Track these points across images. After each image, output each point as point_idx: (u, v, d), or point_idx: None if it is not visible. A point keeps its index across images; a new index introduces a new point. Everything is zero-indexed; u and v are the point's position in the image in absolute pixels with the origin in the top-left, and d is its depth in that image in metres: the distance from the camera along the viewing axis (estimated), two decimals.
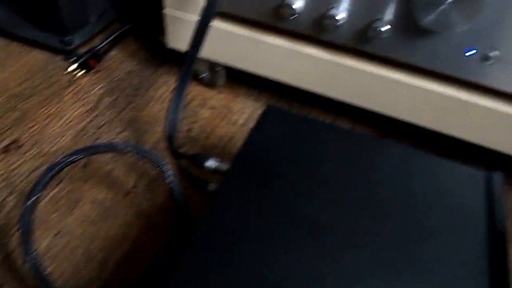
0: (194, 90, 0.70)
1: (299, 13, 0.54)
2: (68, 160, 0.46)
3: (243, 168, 0.41)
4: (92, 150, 0.47)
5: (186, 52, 0.53)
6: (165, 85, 0.70)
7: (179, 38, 0.64)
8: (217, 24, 0.60)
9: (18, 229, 0.47)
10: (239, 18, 0.60)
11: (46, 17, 0.72)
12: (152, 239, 0.51)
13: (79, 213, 0.52)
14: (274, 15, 0.56)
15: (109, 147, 0.47)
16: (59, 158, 0.47)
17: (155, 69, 0.73)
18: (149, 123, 0.64)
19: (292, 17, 0.54)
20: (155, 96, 0.69)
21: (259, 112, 0.67)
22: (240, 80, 0.71)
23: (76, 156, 0.46)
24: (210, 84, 0.70)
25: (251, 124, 0.65)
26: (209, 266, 0.33)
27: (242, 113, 0.67)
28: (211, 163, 0.48)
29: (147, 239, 0.51)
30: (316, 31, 0.56)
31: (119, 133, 0.62)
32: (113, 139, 0.61)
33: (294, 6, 0.53)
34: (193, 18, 0.60)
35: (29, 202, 0.43)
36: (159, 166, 0.47)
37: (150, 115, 0.65)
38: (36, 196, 0.44)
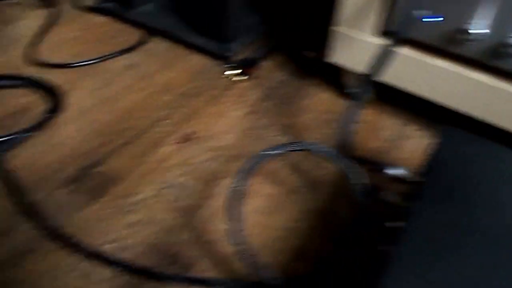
0: (342, 104, 0.75)
1: (474, 39, 0.57)
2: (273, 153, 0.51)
3: (435, 183, 0.45)
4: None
5: (365, 75, 0.58)
6: (315, 96, 0.76)
7: (344, 55, 0.69)
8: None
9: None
10: (411, 41, 0.63)
11: (210, 25, 0.79)
12: (322, 236, 0.55)
13: (254, 204, 0.58)
14: (448, 40, 0.60)
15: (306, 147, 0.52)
16: (260, 152, 0.52)
17: (302, 81, 0.79)
18: (303, 129, 0.69)
19: (467, 43, 0.58)
20: (306, 105, 0.74)
21: (401, 128, 0.71)
22: (386, 98, 0.76)
23: (276, 150, 0.51)
24: (357, 98, 0.75)
25: (396, 139, 0.69)
26: (416, 269, 0.37)
27: (387, 130, 0.71)
28: (391, 171, 0.52)
29: (316, 234, 0.55)
30: (489, 57, 0.58)
31: (277, 136, 0.68)
32: (275, 140, 0.67)
33: (470, 32, 0.56)
34: (363, 36, 0.65)
35: (236, 186, 0.48)
36: (348, 169, 0.51)
37: (304, 123, 0.70)
38: (241, 185, 0.49)
